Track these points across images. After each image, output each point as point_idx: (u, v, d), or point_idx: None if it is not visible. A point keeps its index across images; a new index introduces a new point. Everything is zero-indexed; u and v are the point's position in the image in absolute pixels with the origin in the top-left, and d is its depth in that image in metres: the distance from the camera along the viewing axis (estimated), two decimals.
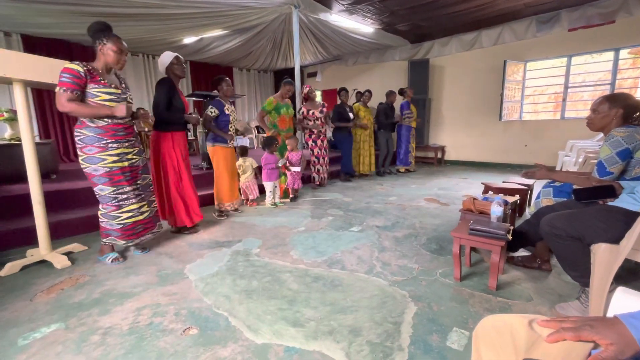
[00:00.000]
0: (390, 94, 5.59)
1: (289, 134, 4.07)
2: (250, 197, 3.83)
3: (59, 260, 2.21)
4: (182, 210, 2.74)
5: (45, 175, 3.43)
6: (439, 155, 7.08)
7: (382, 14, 5.32)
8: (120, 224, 2.20)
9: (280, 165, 3.74)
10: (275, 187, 3.78)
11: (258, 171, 3.82)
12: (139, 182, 2.31)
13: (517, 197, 2.51)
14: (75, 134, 2.06)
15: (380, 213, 3.35)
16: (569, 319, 0.60)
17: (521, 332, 0.65)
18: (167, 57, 2.65)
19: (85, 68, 1.96)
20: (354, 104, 5.57)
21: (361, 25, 5.77)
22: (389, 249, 2.40)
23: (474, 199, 2.24)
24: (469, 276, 1.97)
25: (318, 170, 4.68)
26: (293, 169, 3.87)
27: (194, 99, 5.64)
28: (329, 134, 5.55)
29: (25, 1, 3.93)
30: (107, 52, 2.04)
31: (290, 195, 4.00)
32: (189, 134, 6.87)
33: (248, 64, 8.53)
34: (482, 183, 3.29)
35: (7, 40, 5.31)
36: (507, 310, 1.61)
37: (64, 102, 1.91)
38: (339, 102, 5.13)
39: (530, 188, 3.14)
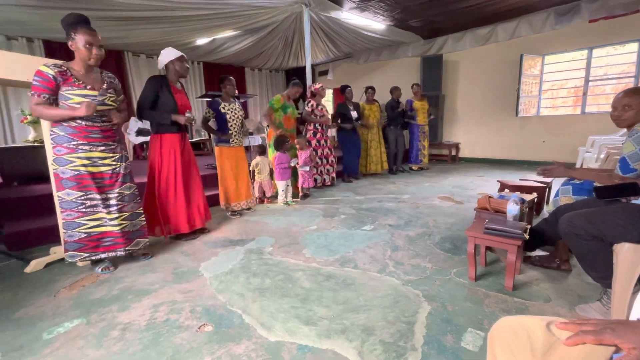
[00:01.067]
0: (394, 90, 5.50)
1: (292, 133, 4.07)
2: (267, 194, 3.86)
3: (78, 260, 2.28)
4: (174, 217, 2.59)
5: None
6: (453, 153, 6.96)
7: (393, 10, 5.25)
8: (85, 232, 2.03)
9: (292, 165, 3.76)
10: (288, 186, 3.80)
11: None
12: (116, 190, 2.12)
13: (534, 195, 2.45)
14: (49, 132, 1.98)
15: (393, 212, 3.32)
16: (589, 321, 0.58)
17: (538, 334, 0.63)
18: (171, 55, 2.53)
19: (58, 70, 1.86)
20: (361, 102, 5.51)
21: (373, 22, 5.72)
22: (402, 248, 2.38)
23: (490, 197, 2.19)
24: (484, 276, 1.93)
25: (321, 172, 4.61)
26: (303, 168, 3.88)
27: (207, 99, 5.73)
28: (333, 133, 5.49)
29: (47, 7, 4.07)
30: (76, 46, 1.89)
31: (300, 194, 4.02)
32: (202, 133, 6.98)
33: (260, 64, 8.59)
34: (497, 181, 3.21)
35: (30, 46, 5.52)
36: (524, 311, 1.57)
37: (32, 106, 1.85)
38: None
39: (548, 186, 3.05)
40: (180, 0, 4.14)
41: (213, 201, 3.50)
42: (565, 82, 5.79)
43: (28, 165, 3.40)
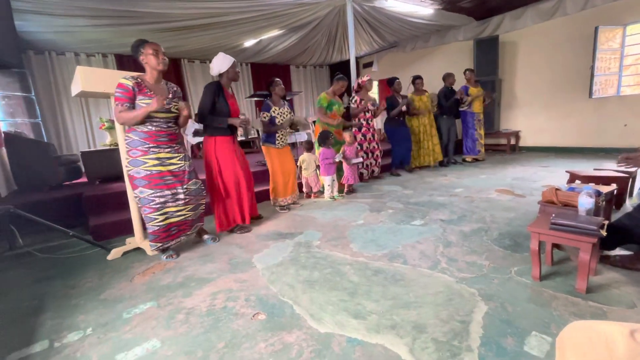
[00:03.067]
0: (447, 76, 5.17)
1: (338, 129, 4.06)
2: (314, 189, 3.94)
3: (150, 248, 2.55)
4: (229, 212, 2.80)
5: None
6: (512, 142, 6.38)
7: None
8: (157, 225, 2.29)
9: (337, 160, 3.77)
10: (333, 180, 3.82)
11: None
12: (185, 186, 2.36)
13: (613, 186, 2.15)
14: (125, 137, 2.25)
15: (444, 206, 3.16)
16: None
17: (620, 344, 0.56)
18: (225, 62, 2.67)
19: (135, 81, 2.14)
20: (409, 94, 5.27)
21: (419, 8, 5.45)
22: (456, 244, 2.26)
23: (557, 189, 1.98)
24: (550, 276, 1.76)
25: (367, 165, 4.55)
26: (354, 161, 3.87)
27: (255, 99, 5.96)
28: (380, 125, 5.34)
29: (117, 25, 4.56)
30: (146, 58, 2.18)
31: (346, 190, 4.00)
32: (252, 132, 7.28)
33: (304, 61, 8.70)
34: (566, 171, 2.89)
35: (104, 61, 6.24)
36: (601, 317, 1.40)
37: (116, 114, 2.14)
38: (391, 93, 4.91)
39: (631, 176, 2.66)
40: (229, 5, 4.35)
41: (263, 196, 3.67)
42: None
43: (107, 166, 3.87)
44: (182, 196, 2.35)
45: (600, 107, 5.32)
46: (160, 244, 2.35)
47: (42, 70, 5.76)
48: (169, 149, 2.30)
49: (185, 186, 2.37)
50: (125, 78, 2.13)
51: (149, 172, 2.22)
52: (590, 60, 5.13)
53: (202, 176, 2.73)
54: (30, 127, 5.66)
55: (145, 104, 2.14)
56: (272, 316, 1.58)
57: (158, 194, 2.25)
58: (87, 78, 2.23)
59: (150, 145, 2.22)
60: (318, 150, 3.83)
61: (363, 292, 1.73)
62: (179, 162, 2.36)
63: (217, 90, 2.67)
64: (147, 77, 2.24)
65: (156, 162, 2.24)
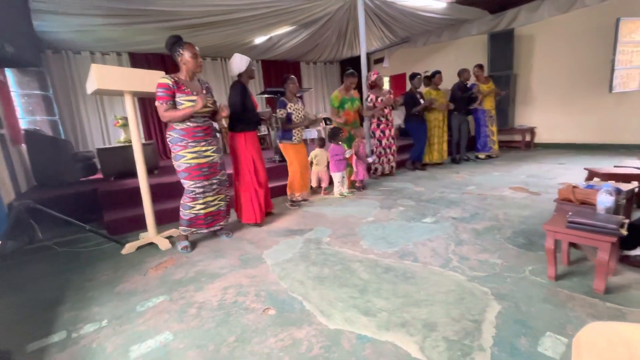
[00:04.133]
0: (463, 72, 5.09)
1: (353, 127, 4.03)
2: (323, 185, 3.94)
3: (163, 243, 2.60)
4: (251, 207, 2.89)
5: (149, 171, 4.03)
6: (528, 138, 6.23)
7: None
8: (193, 213, 2.47)
9: (347, 156, 3.75)
10: (343, 177, 3.80)
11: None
12: (217, 177, 2.54)
13: (634, 184, 2.07)
14: (167, 135, 2.41)
15: (456, 203, 3.11)
16: None
17: None
18: (243, 62, 2.81)
19: (172, 80, 2.25)
20: (424, 89, 5.16)
21: (432, 2, 5.34)
22: (468, 242, 2.22)
23: (574, 186, 1.92)
24: (566, 276, 1.71)
25: (383, 161, 4.54)
26: (370, 159, 3.89)
27: (266, 96, 5.98)
28: (398, 121, 5.31)
29: (130, 24, 4.63)
30: (186, 60, 2.29)
31: (358, 185, 3.99)
32: (263, 129, 7.31)
33: (315, 57, 8.66)
34: (584, 168, 2.80)
35: (119, 59, 6.35)
36: (619, 318, 1.36)
37: (163, 113, 2.26)
38: (408, 88, 4.86)
39: None
40: (240, 2, 4.36)
41: (274, 192, 3.69)
42: None
43: (121, 163, 3.95)
44: (215, 187, 2.54)
45: (621, 102, 5.13)
46: (194, 229, 2.53)
47: (60, 69, 5.90)
48: (204, 143, 2.44)
49: (217, 177, 2.54)
50: (165, 77, 2.24)
51: (188, 165, 2.38)
52: (610, 54, 4.93)
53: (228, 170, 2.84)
54: (48, 125, 5.82)
55: (184, 100, 2.27)
56: (282, 311, 1.59)
57: (198, 185, 2.43)
58: (101, 76, 2.27)
59: (188, 141, 2.36)
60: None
61: (373, 289, 1.72)
62: (212, 154, 2.49)
63: (243, 88, 2.81)
64: (182, 76, 2.34)
65: (194, 155, 2.39)
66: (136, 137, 2.55)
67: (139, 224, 2.98)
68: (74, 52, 5.96)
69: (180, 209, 2.50)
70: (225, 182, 2.65)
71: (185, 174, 2.40)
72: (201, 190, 2.45)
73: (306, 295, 1.71)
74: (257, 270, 2.08)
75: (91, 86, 2.37)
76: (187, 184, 2.42)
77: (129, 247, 2.57)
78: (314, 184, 3.95)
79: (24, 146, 4.16)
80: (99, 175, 4.43)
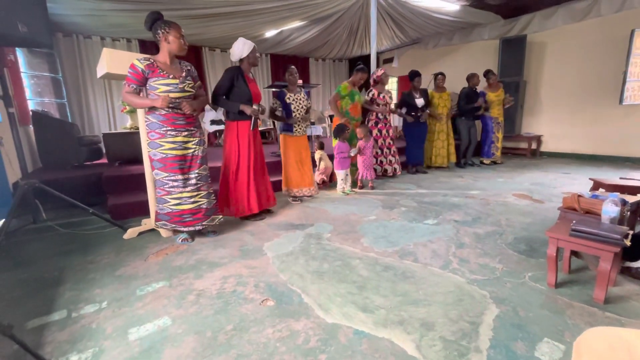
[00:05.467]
0: (472, 77, 5.02)
1: (359, 122, 4.02)
2: (325, 178, 3.96)
3: (164, 230, 2.61)
4: (245, 199, 2.77)
5: None
6: (534, 146, 6.20)
7: None
8: (170, 208, 2.30)
9: (352, 155, 3.75)
10: (347, 175, 3.80)
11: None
12: (196, 171, 2.36)
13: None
14: (144, 119, 2.26)
15: (459, 207, 3.11)
16: None
17: None
18: (246, 47, 2.68)
19: (147, 63, 2.10)
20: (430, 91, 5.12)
21: (445, 4, 5.30)
22: (469, 246, 2.22)
23: (579, 196, 1.91)
24: (566, 284, 1.71)
25: (381, 162, 4.49)
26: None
27: (274, 89, 5.98)
28: (396, 122, 5.27)
29: (141, 10, 4.63)
30: (169, 40, 2.14)
31: (360, 185, 3.98)
32: (268, 123, 7.32)
33: (324, 54, 8.64)
34: (590, 179, 2.78)
35: (128, 45, 6.36)
36: None
37: (123, 94, 2.16)
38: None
39: None
40: None
41: (276, 187, 3.68)
42: None
43: (126, 148, 3.97)
44: (193, 181, 2.36)
45: (631, 115, 5.09)
46: (173, 226, 2.36)
47: (70, 53, 5.92)
48: (186, 132, 2.29)
49: (197, 171, 2.37)
50: (139, 60, 2.10)
51: (164, 156, 2.23)
52: (623, 65, 4.90)
53: (217, 163, 2.75)
54: (56, 107, 5.86)
55: (160, 84, 2.14)
56: (281, 303, 1.60)
57: (171, 178, 2.27)
58: (112, 60, 2.28)
59: (167, 129, 2.21)
60: (335, 142, 3.81)
61: (372, 286, 1.73)
62: (193, 146, 2.34)
63: (237, 74, 2.68)
64: (161, 58, 2.20)
65: (172, 145, 2.24)
66: (143, 124, 2.55)
67: (142, 210, 3.00)
68: (84, 36, 5.98)
69: (156, 202, 2.38)
70: (206, 178, 2.45)
71: (160, 164, 2.23)
72: (175, 184, 2.28)
73: (305, 289, 1.72)
74: (257, 261, 2.09)
75: (101, 70, 2.38)
76: (160, 175, 2.25)
77: (131, 232, 2.59)
78: (318, 180, 3.95)
79: (31, 127, 4.19)
80: (104, 160, 4.45)
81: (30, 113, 4.13)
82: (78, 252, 2.34)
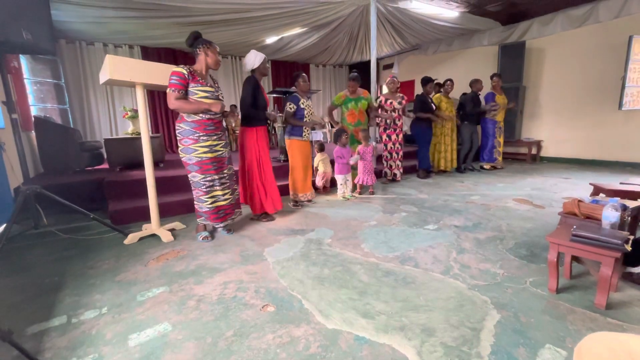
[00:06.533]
0: (475, 82, 5.08)
1: (358, 127, 4.03)
2: (327, 185, 3.96)
3: (165, 235, 2.61)
4: (264, 198, 2.96)
5: (155, 164, 4.07)
6: (534, 151, 6.21)
7: None
8: (208, 207, 2.50)
9: (352, 162, 3.75)
10: (347, 180, 3.81)
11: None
12: (225, 171, 2.57)
13: None
14: (176, 127, 2.41)
15: (459, 212, 3.11)
16: None
17: None
18: (257, 58, 2.82)
19: (188, 70, 2.28)
20: (433, 95, 5.15)
21: (445, 10, 5.36)
22: (469, 251, 2.22)
23: (579, 201, 1.91)
24: (568, 289, 1.70)
25: (391, 166, 4.54)
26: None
27: (275, 95, 6.02)
28: (405, 127, 5.30)
29: (144, 17, 4.69)
30: (210, 54, 2.37)
31: (358, 190, 3.98)
32: (270, 128, 7.34)
33: (324, 60, 8.70)
34: (590, 184, 2.78)
35: (131, 52, 6.42)
36: None
37: (172, 101, 2.26)
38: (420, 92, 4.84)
39: None
40: (254, 1, 4.40)
41: (279, 191, 3.70)
42: None
43: (128, 154, 3.98)
44: (225, 180, 2.56)
45: (630, 120, 5.10)
46: (210, 223, 2.57)
47: (72, 59, 5.97)
48: (215, 137, 2.46)
49: (225, 171, 2.57)
50: (180, 67, 2.26)
51: (200, 159, 2.40)
52: (621, 71, 4.92)
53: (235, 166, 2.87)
54: (58, 113, 5.90)
55: (199, 90, 2.31)
56: (281, 309, 1.59)
57: (208, 179, 2.46)
58: (115, 66, 2.30)
59: (200, 134, 2.37)
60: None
61: (372, 292, 1.72)
62: (222, 148, 2.53)
63: (256, 84, 2.84)
64: (198, 68, 2.39)
65: (206, 149, 2.40)
66: (145, 129, 2.57)
67: (142, 215, 3.01)
68: (87, 43, 6.04)
69: (196, 202, 2.54)
70: (232, 177, 2.67)
71: (197, 167, 2.41)
72: (211, 184, 2.48)
73: (305, 295, 1.72)
74: (258, 267, 2.08)
75: (104, 76, 2.40)
76: (197, 177, 2.43)
77: (132, 238, 2.59)
78: (319, 183, 3.96)
79: (33, 133, 4.21)
80: (105, 165, 4.47)
81: (33, 119, 4.16)
82: (78, 257, 2.34)
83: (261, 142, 2.91)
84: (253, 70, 2.87)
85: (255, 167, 2.92)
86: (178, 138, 2.41)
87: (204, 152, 2.40)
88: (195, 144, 2.37)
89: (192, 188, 2.52)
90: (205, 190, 2.47)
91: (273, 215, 3.12)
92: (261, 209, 3.01)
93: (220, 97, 2.48)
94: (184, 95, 2.29)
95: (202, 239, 2.56)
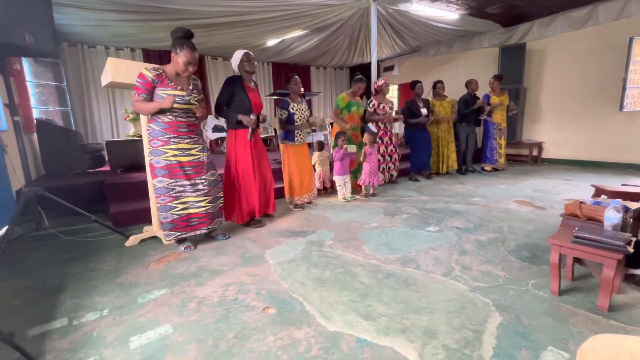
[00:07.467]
0: (469, 83, 5.05)
1: (355, 131, 4.04)
2: (327, 184, 3.96)
3: (168, 240, 2.60)
4: (244, 204, 2.81)
5: None
6: (535, 153, 6.20)
7: None
8: (176, 214, 2.32)
9: (350, 151, 3.70)
10: (346, 182, 3.81)
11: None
12: (204, 177, 2.39)
13: None
14: (147, 127, 2.29)
15: (460, 214, 3.10)
16: None
17: None
18: (237, 55, 2.73)
19: (156, 73, 2.14)
20: (430, 97, 5.13)
21: (445, 13, 5.38)
22: (471, 253, 2.21)
23: (581, 202, 1.91)
24: (570, 291, 1.69)
25: (384, 169, 4.50)
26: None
27: (275, 97, 6.02)
28: (399, 130, 5.29)
29: (145, 20, 4.72)
30: (178, 60, 2.20)
31: (364, 193, 3.97)
32: (270, 130, 7.36)
33: (325, 62, 8.73)
34: (592, 185, 2.78)
35: (132, 54, 6.45)
36: None
37: (133, 102, 2.19)
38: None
39: None
40: (255, 4, 4.42)
41: (278, 193, 3.70)
42: None
43: (129, 156, 4.00)
44: (201, 187, 2.39)
45: (631, 121, 5.10)
46: (178, 234, 2.38)
47: (74, 62, 6.00)
48: (188, 140, 2.34)
49: (204, 177, 2.40)
50: (147, 69, 2.14)
51: (168, 162, 2.26)
52: (622, 72, 4.92)
53: (220, 170, 2.78)
54: (60, 115, 5.92)
55: (166, 94, 2.17)
56: (282, 311, 1.59)
57: (178, 184, 2.31)
58: (116, 69, 2.31)
59: (170, 136, 2.25)
60: (334, 148, 3.82)
61: (374, 294, 1.72)
62: (197, 153, 2.39)
63: (236, 84, 2.72)
64: (170, 70, 2.25)
65: (176, 152, 2.28)
66: (146, 132, 2.57)
67: (144, 218, 3.00)
68: (89, 46, 6.07)
69: (159, 212, 2.34)
70: (215, 183, 2.48)
71: (164, 171, 2.26)
72: (181, 189, 2.31)
73: (306, 297, 1.71)
74: (259, 269, 2.08)
75: (105, 79, 2.41)
76: (164, 182, 2.27)
77: (133, 240, 2.59)
78: (318, 186, 3.96)
79: (35, 135, 4.22)
80: (107, 168, 4.48)
81: (35, 121, 4.18)
82: (80, 259, 2.34)
83: (239, 147, 2.75)
84: (240, 70, 2.77)
85: (232, 172, 2.77)
86: (148, 139, 2.27)
87: (174, 156, 2.27)
88: (164, 145, 2.24)
89: (156, 196, 2.33)
90: (174, 195, 2.29)
91: (261, 221, 2.99)
92: (241, 218, 2.85)
93: (192, 102, 2.29)
94: (146, 98, 2.17)
95: (185, 249, 2.42)
